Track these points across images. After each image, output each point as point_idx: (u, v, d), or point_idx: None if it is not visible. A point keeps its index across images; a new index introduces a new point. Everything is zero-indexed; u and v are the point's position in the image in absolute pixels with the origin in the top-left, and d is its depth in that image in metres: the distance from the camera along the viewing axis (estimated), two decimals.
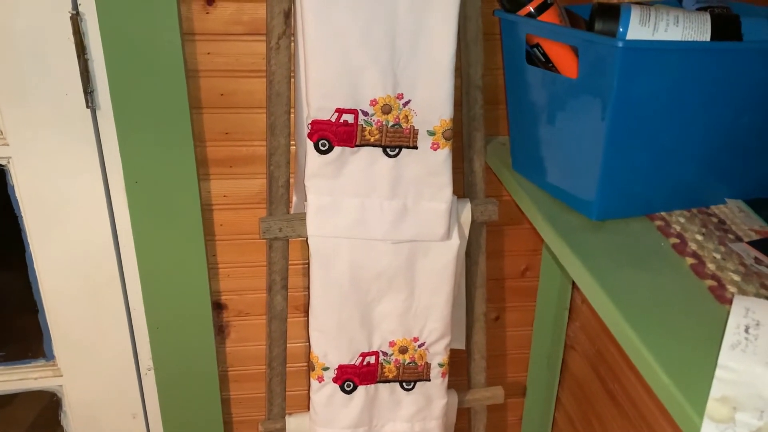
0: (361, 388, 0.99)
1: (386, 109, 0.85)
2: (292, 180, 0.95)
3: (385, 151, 0.88)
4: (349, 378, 0.97)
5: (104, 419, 1.19)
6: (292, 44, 0.87)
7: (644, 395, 0.99)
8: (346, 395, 0.98)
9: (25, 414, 1.26)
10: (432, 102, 0.85)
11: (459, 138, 0.97)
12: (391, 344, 0.98)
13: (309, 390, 1.00)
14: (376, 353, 0.98)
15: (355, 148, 0.86)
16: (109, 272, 1.07)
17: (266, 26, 0.86)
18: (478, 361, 1.08)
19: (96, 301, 1.09)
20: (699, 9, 0.83)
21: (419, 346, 0.99)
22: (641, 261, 0.69)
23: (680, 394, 0.52)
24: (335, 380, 0.97)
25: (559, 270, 1.15)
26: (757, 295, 0.63)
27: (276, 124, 0.88)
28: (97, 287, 1.08)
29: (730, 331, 0.55)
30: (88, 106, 0.96)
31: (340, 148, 0.86)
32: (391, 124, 0.86)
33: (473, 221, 0.96)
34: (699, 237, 0.74)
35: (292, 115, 0.91)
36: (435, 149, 0.88)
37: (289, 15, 0.85)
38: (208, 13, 0.92)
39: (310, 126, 0.85)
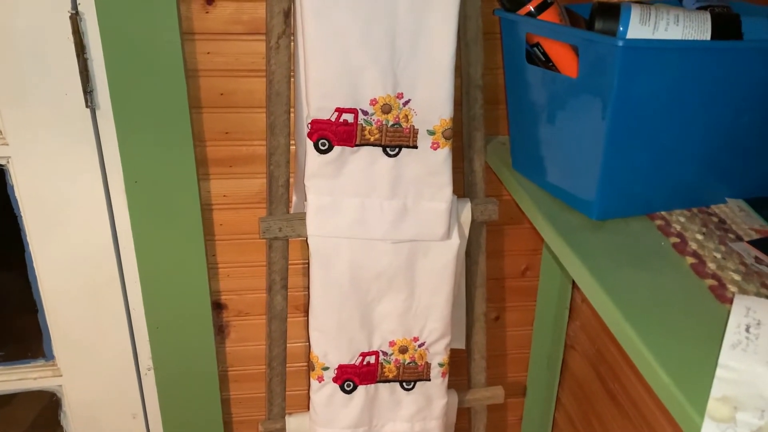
0: (361, 388, 0.98)
1: (386, 109, 0.85)
2: (291, 180, 0.95)
3: (385, 151, 0.87)
4: (349, 378, 0.97)
5: (104, 419, 1.19)
6: (292, 44, 0.87)
7: (645, 395, 0.99)
8: (346, 395, 0.98)
9: (24, 414, 1.26)
10: (432, 101, 0.85)
11: (459, 137, 0.97)
12: (391, 344, 0.98)
13: (309, 390, 1.00)
14: (376, 353, 0.98)
15: (355, 148, 0.86)
16: (109, 272, 1.07)
17: (266, 26, 0.86)
18: (478, 361, 1.08)
19: (96, 301, 1.09)
20: (699, 8, 0.83)
21: (419, 346, 0.99)
22: (641, 260, 0.69)
23: (681, 394, 0.51)
24: (335, 380, 0.97)
25: (560, 269, 1.15)
26: (758, 295, 0.63)
27: (276, 123, 0.88)
28: (96, 287, 1.08)
29: (730, 331, 0.55)
30: (87, 106, 0.96)
31: (339, 147, 0.86)
32: (390, 123, 0.86)
33: (473, 221, 0.96)
34: (699, 236, 0.73)
35: (292, 115, 0.91)
36: (435, 149, 0.88)
37: (288, 14, 0.85)
38: (207, 12, 0.92)
39: (309, 125, 0.85)
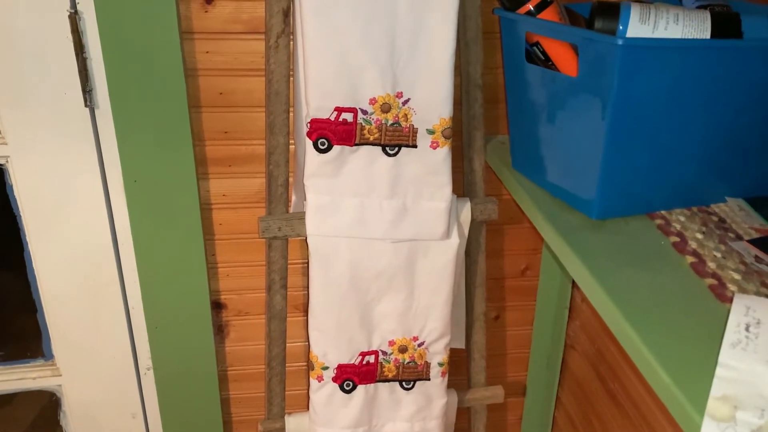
0: (360, 388, 0.98)
1: (385, 108, 0.85)
2: (291, 179, 0.95)
3: (384, 150, 0.87)
4: (349, 377, 0.97)
5: (103, 419, 1.19)
6: (291, 43, 0.87)
7: (644, 394, 0.99)
8: (346, 395, 0.98)
9: (24, 414, 1.26)
10: (431, 101, 0.85)
11: (459, 137, 0.97)
12: (391, 343, 0.98)
13: (308, 389, 1.00)
14: (375, 352, 0.97)
15: (355, 147, 0.86)
16: (108, 272, 1.07)
17: (265, 25, 0.86)
18: (477, 361, 1.08)
19: (95, 301, 1.09)
20: (699, 7, 0.83)
21: (419, 346, 0.98)
22: (641, 260, 0.69)
23: (681, 393, 0.51)
24: (335, 380, 0.97)
25: (559, 269, 1.15)
26: (758, 294, 0.62)
27: (275, 123, 0.88)
28: (96, 287, 1.08)
29: (730, 330, 0.55)
30: (86, 105, 0.96)
31: (339, 147, 0.86)
32: (390, 122, 0.86)
33: (473, 220, 0.96)
34: (699, 236, 0.73)
35: (291, 114, 0.91)
36: (434, 148, 0.88)
37: (287, 14, 0.84)
38: (206, 11, 0.92)
39: (309, 125, 0.85)
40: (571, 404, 1.25)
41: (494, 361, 1.25)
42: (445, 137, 0.87)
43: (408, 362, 0.99)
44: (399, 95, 0.85)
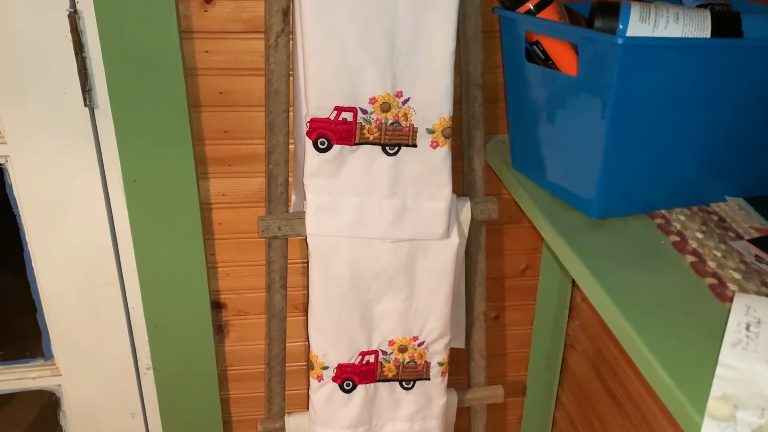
0: (360, 387, 0.98)
1: (385, 107, 0.85)
2: (291, 179, 0.95)
3: (384, 150, 0.87)
4: (349, 377, 0.97)
5: (103, 419, 1.19)
6: (291, 42, 0.87)
7: (645, 394, 0.99)
8: (346, 394, 0.98)
9: (24, 413, 1.26)
10: (431, 100, 0.85)
11: (458, 136, 0.97)
12: (391, 343, 0.97)
13: (308, 389, 1.00)
14: (375, 352, 0.97)
15: (354, 147, 0.86)
16: (108, 271, 1.07)
17: (265, 24, 0.86)
18: (477, 360, 1.08)
19: (95, 301, 1.09)
20: (699, 6, 0.83)
21: (419, 345, 0.98)
22: (641, 259, 0.69)
23: (681, 393, 0.51)
24: (334, 379, 0.97)
25: (559, 269, 1.15)
26: (758, 293, 0.62)
27: (275, 122, 0.88)
28: (95, 286, 1.08)
29: (730, 329, 0.55)
30: (86, 105, 0.95)
31: (339, 146, 0.86)
32: (390, 122, 0.86)
33: (473, 220, 0.96)
34: (699, 235, 0.73)
35: (291, 114, 0.91)
36: (434, 147, 0.88)
37: (287, 13, 0.84)
38: (206, 11, 0.92)
39: (308, 124, 0.84)
40: (571, 404, 1.25)
41: (494, 361, 1.25)
42: (445, 137, 0.87)
43: (408, 362, 0.99)
44: (399, 94, 0.85)
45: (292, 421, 1.03)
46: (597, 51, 0.69)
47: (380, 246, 0.91)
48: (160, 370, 1.12)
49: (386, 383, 1.00)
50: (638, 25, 0.73)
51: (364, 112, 0.85)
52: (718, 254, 0.69)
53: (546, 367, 1.26)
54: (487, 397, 1.09)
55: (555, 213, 0.79)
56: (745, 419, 0.47)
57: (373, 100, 0.84)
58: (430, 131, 0.87)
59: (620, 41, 0.66)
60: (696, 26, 0.73)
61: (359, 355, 0.97)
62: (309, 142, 0.85)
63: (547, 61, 0.81)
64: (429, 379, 1.01)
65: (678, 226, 0.75)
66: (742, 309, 0.57)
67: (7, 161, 0.98)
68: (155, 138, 0.95)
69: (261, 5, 0.93)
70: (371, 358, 0.97)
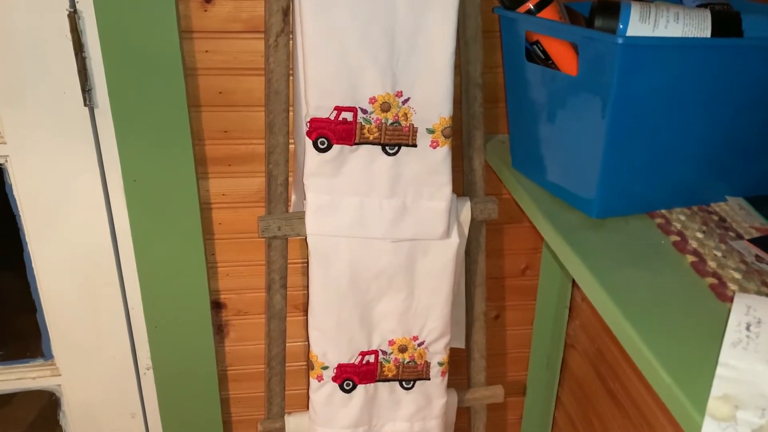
0: (360, 387, 0.98)
1: (385, 107, 0.85)
2: (291, 178, 0.95)
3: (384, 150, 0.87)
4: (349, 377, 0.97)
5: (103, 419, 1.19)
6: (291, 42, 0.87)
7: (645, 394, 0.99)
8: (346, 394, 0.98)
9: (24, 413, 1.26)
10: (431, 100, 0.85)
11: (458, 136, 0.97)
12: (391, 343, 0.97)
13: (308, 389, 1.00)
14: (375, 352, 0.97)
15: (354, 147, 0.86)
16: (108, 271, 1.07)
17: (264, 24, 0.85)
18: (477, 360, 1.07)
19: (94, 301, 1.09)
20: (699, 6, 0.83)
21: (419, 345, 0.98)
22: (642, 259, 0.69)
23: (681, 393, 0.51)
24: (334, 379, 0.97)
25: (559, 268, 1.15)
26: (759, 293, 0.62)
27: (275, 122, 0.88)
28: (95, 286, 1.08)
29: (731, 329, 0.55)
30: (86, 105, 0.95)
31: (339, 146, 0.86)
32: (390, 122, 0.86)
33: (473, 220, 0.96)
34: (699, 235, 0.73)
35: (291, 114, 0.91)
36: (434, 147, 0.88)
37: (287, 12, 0.84)
38: (206, 10, 0.92)
39: (308, 124, 0.84)
40: (571, 404, 1.25)
41: (494, 361, 1.25)
42: (445, 136, 0.87)
43: (408, 362, 0.99)
44: (399, 94, 0.85)
45: (292, 421, 1.03)
46: (597, 51, 0.69)
47: (380, 246, 0.91)
48: (160, 370, 1.12)
49: (386, 383, 1.00)
50: (638, 25, 0.73)
51: (364, 111, 0.85)
52: (719, 254, 0.69)
53: (546, 367, 1.25)
54: (487, 397, 1.09)
55: (555, 213, 0.79)
56: (746, 419, 0.47)
57: (373, 100, 0.84)
58: (430, 131, 0.87)
59: (620, 41, 0.66)
60: (696, 26, 0.73)
61: (359, 355, 0.97)
62: (309, 142, 0.85)
63: (547, 61, 0.81)
64: (429, 379, 1.01)
65: (678, 225, 0.75)
66: (743, 309, 0.57)
67: (6, 161, 0.98)
68: (155, 138, 0.95)
69: (261, 5, 0.92)
70: (371, 358, 0.97)
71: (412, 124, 0.86)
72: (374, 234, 0.90)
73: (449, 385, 1.04)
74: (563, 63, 0.79)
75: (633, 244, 0.72)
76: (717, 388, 0.50)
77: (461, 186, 1.00)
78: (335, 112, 0.84)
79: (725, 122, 0.76)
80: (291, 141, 0.93)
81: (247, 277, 1.10)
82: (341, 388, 0.98)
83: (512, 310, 1.22)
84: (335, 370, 0.96)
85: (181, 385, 1.13)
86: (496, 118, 1.05)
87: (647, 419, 0.98)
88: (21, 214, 1.02)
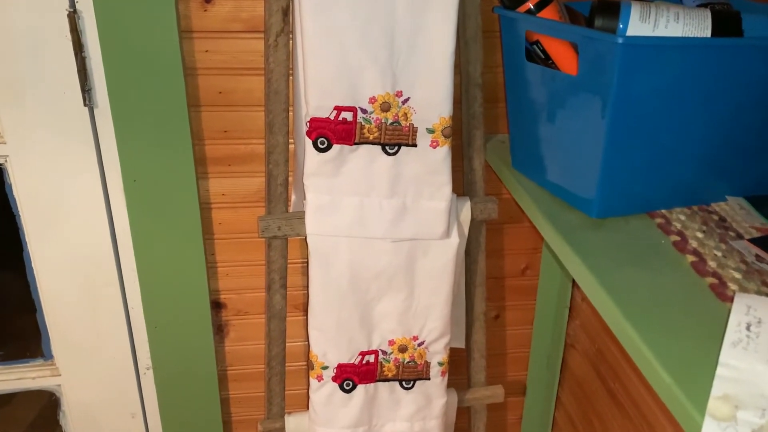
0: (360, 387, 0.98)
1: (385, 107, 0.85)
2: (290, 178, 0.95)
3: (384, 149, 0.87)
4: (349, 377, 0.97)
5: (103, 419, 1.19)
6: (291, 42, 0.87)
7: (645, 394, 0.99)
8: (346, 394, 0.98)
9: (23, 413, 1.26)
10: (431, 100, 0.85)
11: (458, 136, 0.97)
12: (391, 343, 0.97)
13: (308, 389, 1.00)
14: (375, 352, 0.97)
15: (354, 146, 0.86)
16: (108, 271, 1.07)
17: (264, 23, 0.85)
18: (477, 360, 1.07)
19: (94, 301, 1.09)
20: (699, 5, 0.83)
21: (419, 345, 0.98)
22: (642, 259, 0.69)
23: (681, 393, 0.51)
24: (334, 379, 0.97)
25: (559, 268, 1.15)
26: (759, 293, 0.62)
27: (274, 122, 0.88)
28: (95, 286, 1.08)
29: (731, 329, 0.55)
30: (85, 105, 0.95)
31: (338, 146, 0.85)
32: (390, 121, 0.86)
33: (473, 219, 0.95)
34: (699, 234, 0.73)
35: (291, 114, 0.91)
36: (434, 147, 0.88)
37: (287, 12, 0.84)
38: (206, 10, 0.92)
39: (308, 124, 0.84)
40: (571, 404, 1.25)
41: (494, 361, 1.25)
42: (445, 136, 0.87)
43: (408, 362, 0.99)
44: (399, 94, 0.85)
45: (292, 421, 1.03)
46: (597, 50, 0.69)
47: (380, 246, 0.91)
48: (159, 370, 1.12)
49: (386, 383, 1.00)
50: (638, 25, 0.73)
51: (364, 111, 0.85)
52: (719, 254, 0.69)
53: (546, 367, 1.25)
54: (487, 397, 1.09)
55: (555, 213, 0.79)
56: (746, 419, 0.47)
57: (372, 100, 0.84)
58: (430, 131, 0.87)
59: (620, 40, 0.66)
60: (696, 25, 0.73)
61: (359, 354, 0.96)
62: (309, 142, 0.85)
63: (547, 61, 0.81)
64: (429, 379, 1.01)
65: (678, 225, 0.75)
66: (743, 309, 0.57)
67: (6, 161, 0.98)
68: (155, 138, 0.95)
69: (261, 5, 0.92)
70: (371, 358, 0.97)
71: (412, 124, 0.86)
72: (374, 234, 0.90)
73: (449, 385, 1.04)
74: (563, 63, 0.79)
75: (633, 244, 0.72)
76: (717, 388, 0.50)
77: (461, 186, 1.00)
78: (335, 111, 0.84)
79: (725, 122, 0.76)
80: (291, 141, 0.93)
81: (247, 277, 1.10)
82: (341, 388, 0.98)
83: (512, 310, 1.22)
84: (335, 370, 0.96)
85: (181, 385, 1.13)
86: (496, 118, 1.05)
87: (647, 419, 0.98)
88: (21, 214, 1.02)
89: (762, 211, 0.78)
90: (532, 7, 0.80)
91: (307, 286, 0.94)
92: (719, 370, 0.51)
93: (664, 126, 0.73)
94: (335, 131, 0.85)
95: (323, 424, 0.99)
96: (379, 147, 0.87)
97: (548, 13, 0.80)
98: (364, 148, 0.87)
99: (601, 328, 1.12)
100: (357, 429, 1.00)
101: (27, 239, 1.03)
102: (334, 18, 0.79)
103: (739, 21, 0.74)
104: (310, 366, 0.97)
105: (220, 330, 1.14)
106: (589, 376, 1.17)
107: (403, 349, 0.98)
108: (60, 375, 1.14)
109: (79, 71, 0.93)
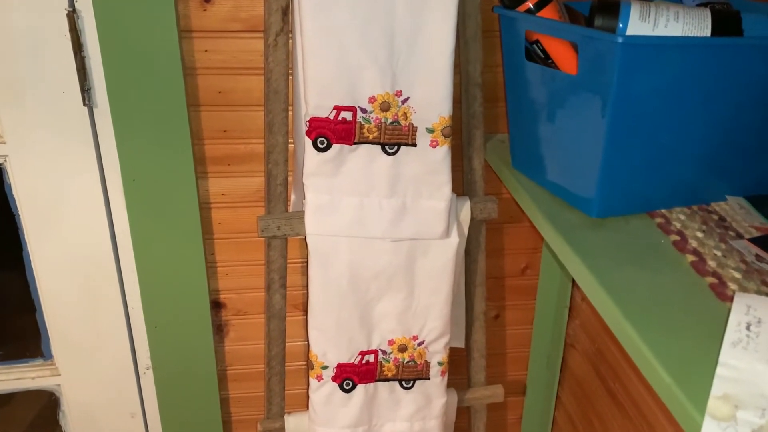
0: (360, 387, 0.98)
1: (385, 107, 0.85)
2: (290, 178, 0.95)
3: (383, 149, 0.87)
4: (348, 377, 0.97)
5: (103, 419, 1.19)
6: (290, 41, 0.86)
7: (645, 394, 0.99)
8: (345, 394, 0.98)
9: (23, 413, 1.26)
10: (431, 99, 0.85)
11: (458, 136, 0.97)
12: (391, 343, 0.97)
13: (308, 389, 1.00)
14: (375, 352, 0.97)
15: (354, 146, 0.86)
16: (107, 271, 1.07)
17: (264, 23, 0.85)
18: (477, 360, 1.07)
19: (94, 300, 1.09)
20: (699, 5, 0.83)
21: (419, 345, 0.98)
22: (641, 258, 0.69)
23: (681, 393, 0.51)
24: (334, 379, 0.97)
25: (559, 268, 1.15)
26: (759, 293, 0.62)
27: (274, 121, 0.88)
28: (95, 286, 1.08)
29: (731, 329, 0.55)
30: (85, 104, 0.95)
31: (338, 145, 0.85)
32: (389, 121, 0.86)
33: (473, 219, 0.95)
34: (699, 234, 0.73)
35: (290, 113, 0.91)
36: (434, 147, 0.87)
37: (286, 12, 0.84)
38: (205, 10, 0.92)
39: (308, 123, 0.84)
40: (571, 403, 1.25)
41: (494, 361, 1.25)
42: (445, 136, 0.87)
43: (408, 361, 0.99)
44: (398, 94, 0.84)
45: (291, 421, 1.03)
46: (597, 50, 0.69)
47: (380, 245, 0.91)
48: (159, 370, 1.12)
49: (386, 383, 1.00)
50: (638, 24, 0.73)
51: (364, 111, 0.84)
52: (719, 253, 0.69)
53: (546, 367, 1.25)
54: (487, 397, 1.09)
55: (555, 212, 0.79)
56: (746, 419, 0.47)
57: (372, 100, 0.84)
58: (430, 130, 0.87)
59: (620, 40, 0.66)
60: (696, 25, 0.73)
61: (359, 354, 0.96)
62: (308, 142, 0.85)
63: (546, 60, 0.81)
64: (429, 379, 1.01)
65: (678, 225, 0.75)
66: (743, 308, 0.57)
67: (6, 161, 0.98)
68: (154, 137, 0.95)
69: (260, 4, 0.92)
70: (371, 358, 0.97)
71: (412, 124, 0.86)
72: (374, 233, 0.90)
73: (449, 385, 1.04)
74: (563, 62, 0.79)
75: (633, 244, 0.72)
76: (717, 388, 0.50)
77: (461, 185, 1.00)
78: (334, 111, 0.84)
79: (725, 122, 0.75)
80: (290, 140, 0.93)
81: (247, 276, 1.10)
82: (341, 387, 0.98)
83: (512, 310, 1.22)
84: (335, 370, 0.96)
85: (181, 385, 1.13)
86: (496, 118, 1.05)
87: (647, 419, 0.98)
88: (20, 213, 1.02)
89: (762, 211, 0.78)
90: (531, 6, 0.80)
91: (307, 286, 0.94)
92: (719, 370, 0.51)
93: (664, 125, 0.73)
94: (335, 131, 0.85)
95: (323, 424, 0.99)
96: (379, 147, 0.87)
97: (548, 12, 0.80)
98: (364, 148, 0.87)
99: (601, 327, 1.12)
100: (357, 429, 1.00)
101: (27, 239, 1.03)
102: (333, 17, 0.79)
103: (739, 20, 0.74)
104: (309, 366, 0.97)
105: (219, 330, 1.14)
106: (589, 376, 1.17)
107: (402, 349, 0.98)
108: (60, 375, 1.14)
109: (78, 71, 0.93)
